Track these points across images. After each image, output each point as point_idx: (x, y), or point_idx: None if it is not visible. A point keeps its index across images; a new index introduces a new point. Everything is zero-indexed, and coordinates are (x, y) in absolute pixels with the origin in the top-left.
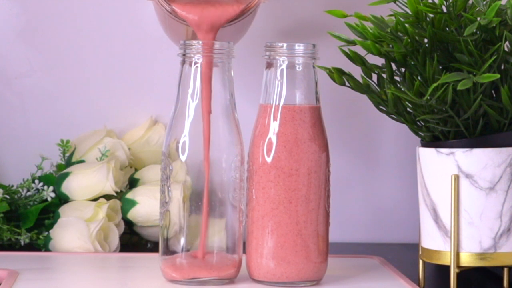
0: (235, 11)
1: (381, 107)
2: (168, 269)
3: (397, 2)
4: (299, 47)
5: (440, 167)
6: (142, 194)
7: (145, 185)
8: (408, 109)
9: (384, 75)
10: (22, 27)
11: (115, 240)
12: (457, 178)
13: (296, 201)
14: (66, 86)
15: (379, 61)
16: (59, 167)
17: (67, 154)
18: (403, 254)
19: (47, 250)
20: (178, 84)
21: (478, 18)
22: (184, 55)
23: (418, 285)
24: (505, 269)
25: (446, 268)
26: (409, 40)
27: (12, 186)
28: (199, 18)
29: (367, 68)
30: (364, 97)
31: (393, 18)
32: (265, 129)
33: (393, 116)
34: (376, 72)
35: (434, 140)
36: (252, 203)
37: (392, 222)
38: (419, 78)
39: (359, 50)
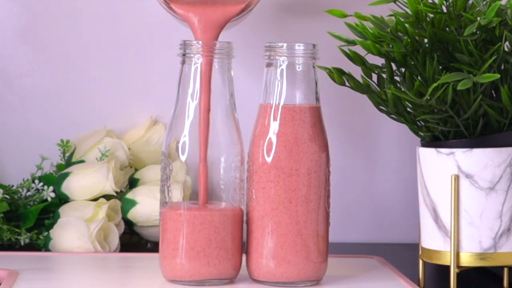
0: (235, 10)
1: (381, 107)
2: (168, 269)
3: (397, 2)
4: (299, 47)
5: (440, 167)
6: (142, 194)
7: (145, 185)
8: (408, 109)
9: (384, 75)
10: (22, 27)
11: (115, 240)
12: (457, 178)
13: (296, 201)
14: (66, 86)
15: (379, 61)
16: (59, 167)
17: (67, 154)
18: (403, 254)
19: (47, 250)
20: (178, 84)
21: (478, 18)
22: (184, 55)
23: (418, 285)
24: (505, 269)
25: (446, 268)
26: (409, 40)
27: (12, 186)
28: (199, 18)
29: (367, 68)
30: (364, 97)
31: (393, 18)
32: (265, 129)
33: (393, 116)
34: (376, 72)
35: (434, 140)
36: (252, 203)
37: (392, 222)
38: (419, 78)
39: (359, 50)
